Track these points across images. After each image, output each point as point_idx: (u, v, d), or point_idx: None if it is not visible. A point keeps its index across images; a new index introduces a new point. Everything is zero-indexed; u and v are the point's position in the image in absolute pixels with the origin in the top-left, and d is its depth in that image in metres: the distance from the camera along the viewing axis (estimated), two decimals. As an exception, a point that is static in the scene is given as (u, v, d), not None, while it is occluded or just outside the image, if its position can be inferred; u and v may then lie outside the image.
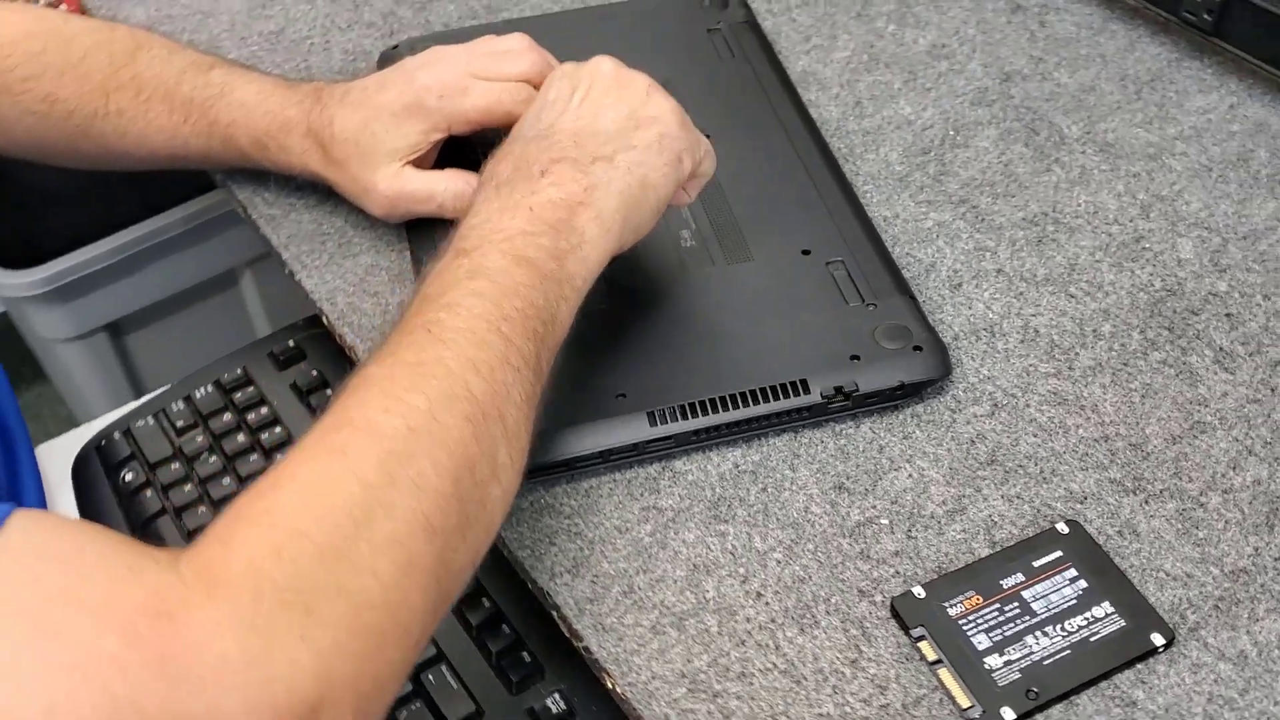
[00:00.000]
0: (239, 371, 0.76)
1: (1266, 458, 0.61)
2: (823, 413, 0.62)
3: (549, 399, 0.56)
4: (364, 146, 0.68)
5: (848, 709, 0.53)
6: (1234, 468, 0.61)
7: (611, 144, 0.59)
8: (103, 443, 0.74)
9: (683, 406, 0.61)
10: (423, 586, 0.46)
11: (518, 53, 0.69)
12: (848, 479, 0.61)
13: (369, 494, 0.46)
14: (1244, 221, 0.72)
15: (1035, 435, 0.62)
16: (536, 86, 0.66)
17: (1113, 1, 0.87)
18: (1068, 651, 0.54)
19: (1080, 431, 0.62)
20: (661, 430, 0.60)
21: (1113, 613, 0.55)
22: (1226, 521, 0.59)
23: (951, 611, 0.55)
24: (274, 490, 0.45)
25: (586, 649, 0.56)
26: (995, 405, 0.64)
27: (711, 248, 0.69)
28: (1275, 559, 0.57)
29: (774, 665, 0.55)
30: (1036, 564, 0.57)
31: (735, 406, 0.61)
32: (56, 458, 0.76)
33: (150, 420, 0.74)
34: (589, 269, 0.57)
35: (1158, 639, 0.54)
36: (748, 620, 0.56)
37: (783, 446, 0.63)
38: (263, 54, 0.87)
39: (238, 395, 0.75)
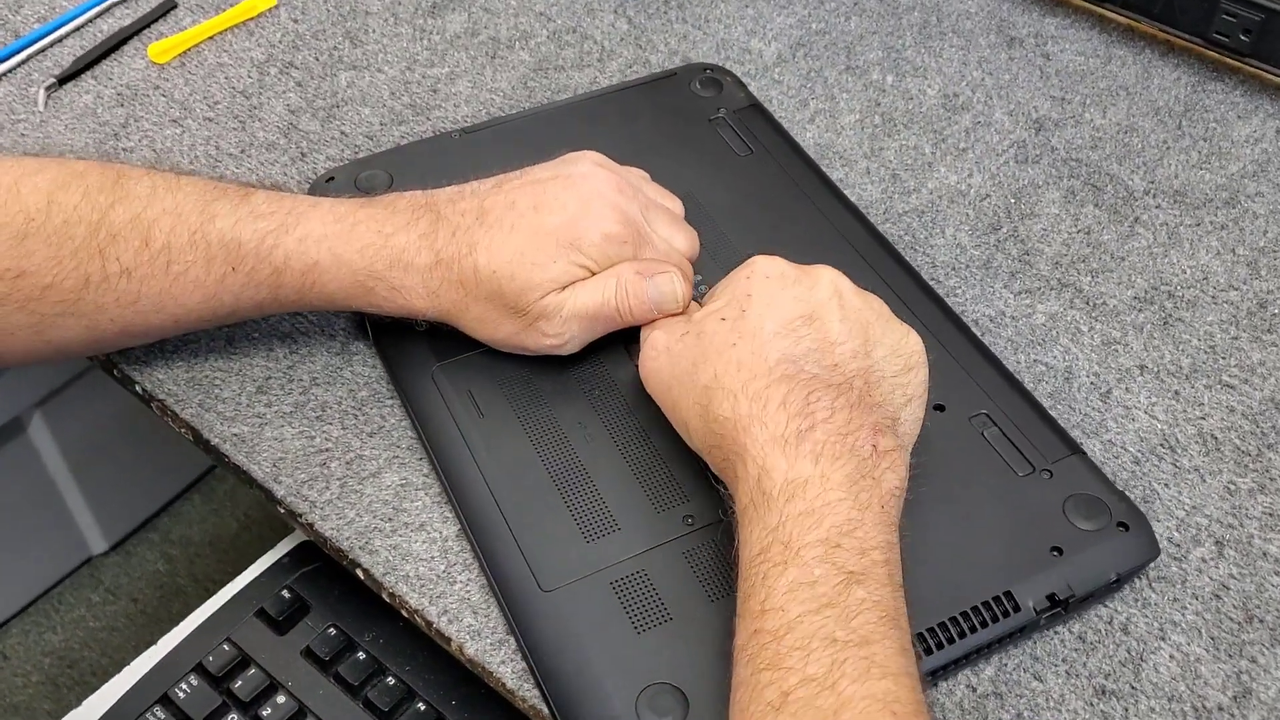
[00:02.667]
0: (225, 648, 0.57)
1: None
2: (1034, 629, 0.50)
3: None
4: (521, 278, 0.53)
5: None
6: None
7: (896, 394, 0.49)
8: (63, 792, 0.54)
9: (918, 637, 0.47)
10: None
11: (681, 221, 0.58)
12: (1105, 677, 0.50)
13: None
14: (1355, 265, 0.65)
15: (1278, 573, 0.53)
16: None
17: (1105, 23, 0.79)
18: None
19: (1319, 557, 0.54)
20: None
21: None
22: None
23: (1310, 838, 0.45)
24: None
25: None
26: (1219, 543, 0.54)
27: None
28: None
29: None
30: None
31: (937, 645, 0.48)
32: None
33: (124, 746, 0.55)
34: None
35: None
36: None
37: (1015, 650, 0.51)
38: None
39: (237, 684, 0.56)
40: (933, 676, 0.49)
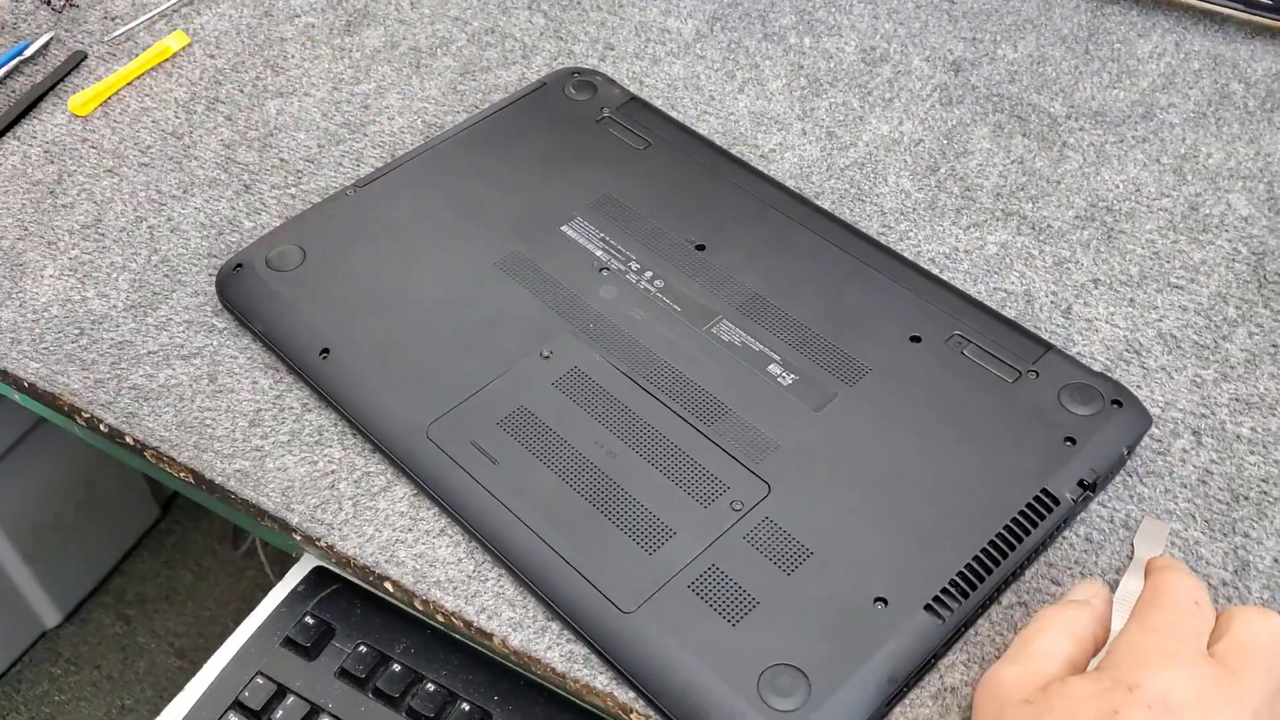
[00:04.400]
0: (259, 681, 0.57)
1: None
2: (1073, 516, 0.53)
3: None
4: None
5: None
6: None
7: None
8: None
9: (956, 584, 0.49)
10: None
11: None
12: (1116, 572, 0.53)
13: None
14: (1270, 160, 0.69)
15: (1253, 452, 0.57)
16: None
17: (1000, -38, 0.82)
18: None
19: (1287, 433, 0.57)
20: (951, 620, 0.49)
21: None
22: None
23: (1328, 688, 0.48)
24: None
25: None
26: (1195, 433, 0.57)
27: (817, 375, 0.57)
28: None
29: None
30: (1364, 599, 0.51)
31: (1001, 555, 0.50)
32: None
33: (174, 795, 0.54)
34: None
35: None
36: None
37: (1036, 574, 0.53)
38: None
39: (278, 714, 0.56)
40: (998, 594, 0.51)
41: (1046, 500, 0.52)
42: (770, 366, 0.58)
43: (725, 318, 0.60)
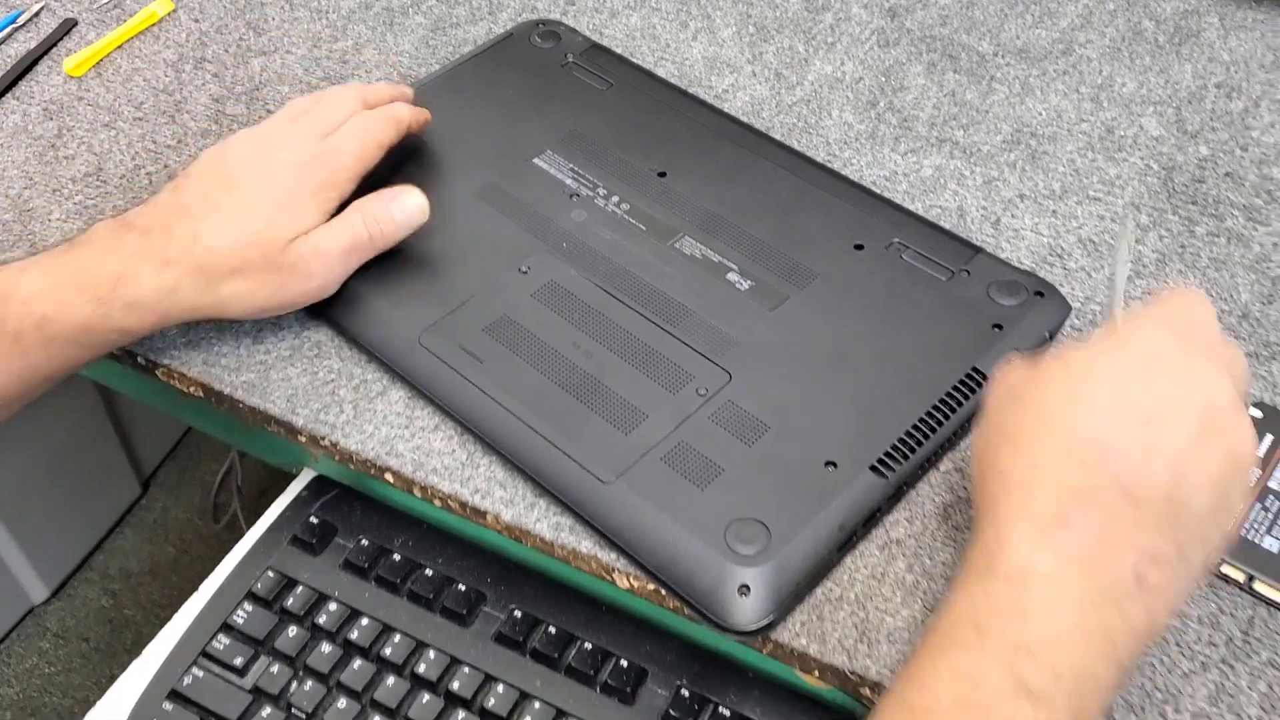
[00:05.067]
0: (270, 574, 0.62)
1: (1345, 288, 0.65)
2: None
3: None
4: (262, 238, 0.58)
5: (1202, 656, 0.52)
6: (1328, 306, 0.64)
7: (1195, 537, 0.44)
8: (152, 722, 0.58)
9: (897, 448, 0.55)
10: None
11: (331, 95, 0.64)
12: (1042, 440, 0.59)
13: None
14: (1177, 88, 0.76)
15: (1163, 337, 0.63)
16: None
17: (931, -81, 0.89)
18: (1340, 522, 0.55)
19: (1193, 320, 0.64)
20: (893, 479, 0.55)
21: (1347, 472, 0.57)
22: (1358, 355, 0.62)
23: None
24: None
25: None
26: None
27: (771, 281, 0.63)
28: None
29: (1113, 647, 0.52)
30: (1260, 454, 0.57)
31: (937, 424, 0.56)
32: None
33: (198, 671, 0.59)
34: None
35: (1396, 480, 0.56)
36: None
37: (970, 444, 0.59)
38: None
39: (289, 601, 0.61)
40: (936, 458, 0.57)
41: (976, 377, 0.58)
42: (729, 275, 0.64)
43: (687, 234, 0.65)
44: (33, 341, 0.56)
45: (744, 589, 0.51)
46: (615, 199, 0.67)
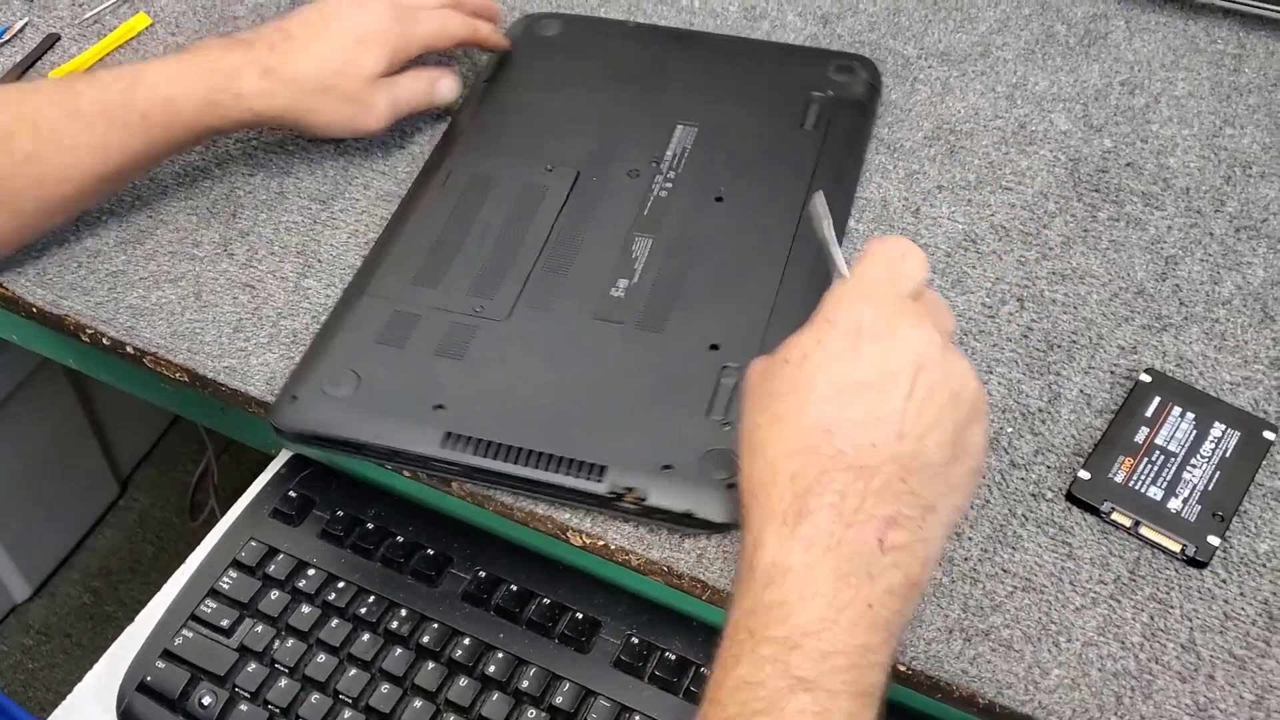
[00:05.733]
0: (253, 544, 0.68)
1: (1230, 265, 0.72)
2: (609, 506, 0.60)
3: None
4: (352, 74, 0.71)
5: (1093, 593, 0.58)
6: (1215, 282, 0.71)
7: (937, 482, 0.46)
8: (146, 678, 0.64)
9: (481, 441, 0.61)
10: None
11: None
12: (955, 406, 0.65)
13: None
14: (1085, 86, 0.83)
15: (1065, 312, 0.70)
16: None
17: (861, -69, 0.95)
18: (1217, 473, 0.61)
19: (1093, 296, 0.70)
20: (451, 454, 0.61)
21: (1225, 429, 0.63)
22: (1240, 326, 0.69)
23: (1118, 479, 0.61)
24: None
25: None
26: (1019, 299, 0.70)
27: (635, 307, 0.67)
28: (1291, 341, 0.68)
29: (1014, 587, 0.58)
30: (1148, 414, 0.64)
31: (529, 464, 0.60)
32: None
33: (188, 633, 0.65)
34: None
35: (1269, 435, 0.63)
36: (965, 559, 0.59)
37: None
38: None
39: (271, 568, 0.67)
40: (528, 487, 0.63)
41: (595, 469, 0.60)
42: (621, 279, 0.68)
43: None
44: (158, 120, 0.68)
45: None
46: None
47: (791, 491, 0.45)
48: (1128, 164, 0.77)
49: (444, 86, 0.77)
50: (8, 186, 0.66)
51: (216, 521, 1.46)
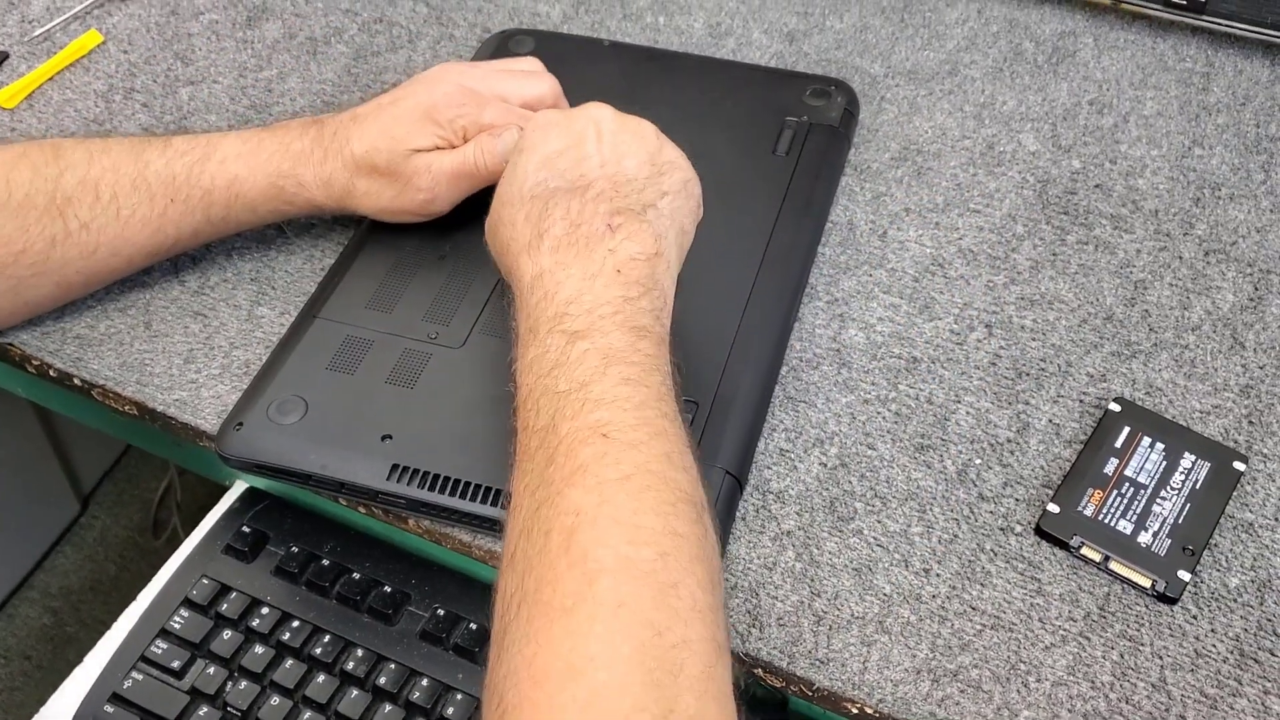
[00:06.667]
0: (204, 582, 0.66)
1: (1200, 289, 0.71)
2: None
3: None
4: (386, 149, 0.66)
5: (1062, 630, 0.57)
6: (1185, 307, 0.70)
7: (648, 190, 0.57)
8: (93, 725, 0.62)
9: (428, 474, 0.59)
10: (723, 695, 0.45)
11: (534, 75, 0.70)
12: (922, 437, 0.64)
13: (664, 640, 0.43)
14: (1054, 105, 0.82)
15: (1034, 339, 0.69)
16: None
17: (828, -54, 0.94)
18: (1188, 505, 0.61)
19: (1062, 322, 0.69)
20: (398, 488, 0.59)
21: (1195, 459, 0.62)
22: (1210, 352, 0.68)
23: (1087, 512, 0.60)
24: (570, 674, 0.42)
25: (817, 688, 0.56)
26: (987, 325, 0.69)
27: None
28: (1261, 367, 0.67)
29: (983, 625, 0.57)
30: (1118, 445, 0.63)
31: (478, 499, 0.59)
32: (29, 768, 0.62)
33: (137, 675, 0.63)
34: (669, 324, 0.56)
35: (1239, 465, 0.62)
36: (933, 597, 0.58)
37: (851, 430, 0.64)
38: None
39: (224, 606, 0.65)
40: (471, 521, 0.56)
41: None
42: None
43: None
44: (220, 199, 0.66)
45: None
46: None
47: (529, 229, 0.55)
48: (1096, 185, 0.76)
49: (506, 143, 0.66)
50: (58, 254, 0.64)
51: (179, 540, 1.44)
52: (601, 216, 0.54)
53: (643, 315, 0.53)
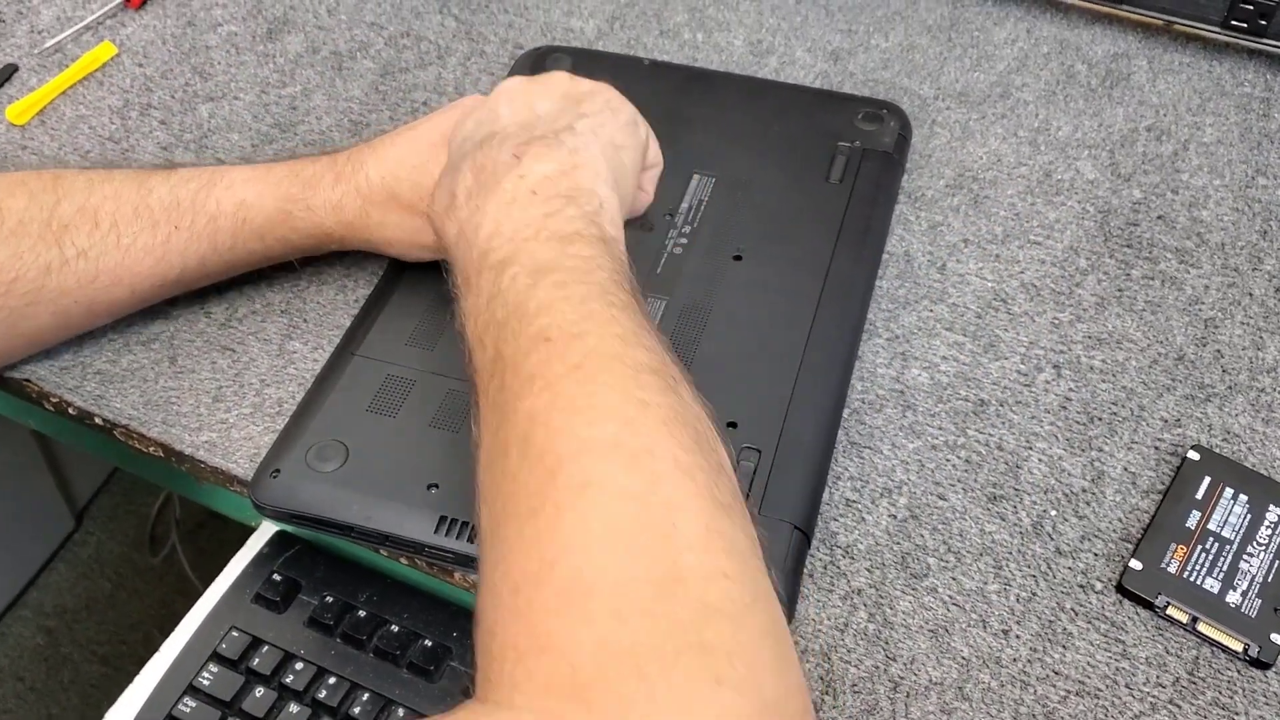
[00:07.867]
0: (234, 634, 0.62)
1: (1273, 328, 0.68)
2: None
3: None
4: (408, 180, 0.61)
5: (1151, 697, 0.54)
6: (1258, 348, 0.67)
7: (563, 118, 0.56)
8: (120, 792, 0.58)
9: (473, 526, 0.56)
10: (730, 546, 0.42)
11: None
12: (994, 486, 0.61)
13: (647, 505, 0.41)
14: (1110, 130, 0.79)
15: (1104, 380, 0.66)
16: None
17: (869, -39, 0.91)
18: (1277, 562, 0.58)
19: (1132, 363, 0.66)
20: (446, 542, 0.57)
21: (1281, 512, 0.59)
22: (1287, 396, 0.65)
23: (1171, 569, 0.57)
24: (544, 571, 0.40)
25: (896, 760, 0.53)
26: (1055, 366, 0.66)
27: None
28: (1341, 413, 0.64)
29: (1067, 691, 0.54)
30: (1198, 497, 0.60)
31: None
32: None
33: (164, 737, 0.59)
34: (618, 228, 0.54)
35: (1326, 519, 0.59)
36: (1014, 660, 0.55)
37: (918, 479, 0.61)
38: None
39: (255, 661, 0.61)
40: None
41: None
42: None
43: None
44: (226, 225, 0.62)
45: None
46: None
47: (445, 196, 0.54)
48: (1159, 216, 0.74)
49: None
50: (54, 283, 0.60)
51: (177, 558, 1.40)
52: (508, 150, 0.53)
53: (570, 223, 0.50)
